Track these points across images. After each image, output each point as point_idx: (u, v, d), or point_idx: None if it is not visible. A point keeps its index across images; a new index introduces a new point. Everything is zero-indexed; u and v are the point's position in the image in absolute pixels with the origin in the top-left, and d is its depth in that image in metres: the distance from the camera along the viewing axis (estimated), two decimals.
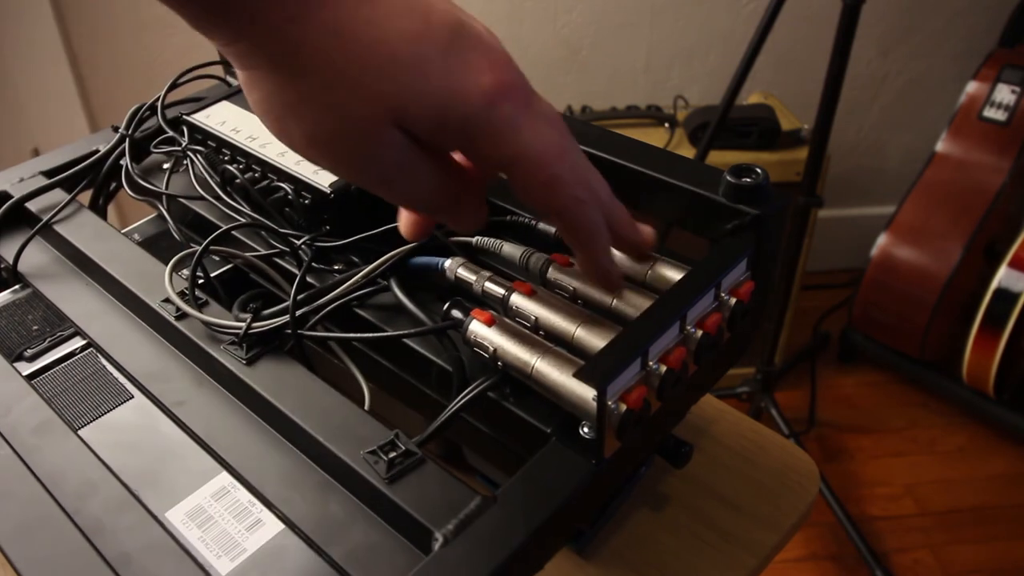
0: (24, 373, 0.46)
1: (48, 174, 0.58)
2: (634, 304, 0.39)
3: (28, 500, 0.38)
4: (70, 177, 0.57)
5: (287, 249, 0.49)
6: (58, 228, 0.53)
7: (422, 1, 0.30)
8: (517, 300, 0.41)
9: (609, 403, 0.33)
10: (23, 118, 1.68)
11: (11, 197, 0.55)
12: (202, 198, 0.53)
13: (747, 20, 1.67)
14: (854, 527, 1.38)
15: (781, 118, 1.48)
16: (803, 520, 0.49)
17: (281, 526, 0.37)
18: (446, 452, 0.51)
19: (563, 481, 0.34)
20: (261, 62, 0.30)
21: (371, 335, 0.44)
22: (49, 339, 0.48)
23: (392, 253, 0.46)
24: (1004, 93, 1.50)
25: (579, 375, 0.33)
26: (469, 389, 0.40)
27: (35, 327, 0.49)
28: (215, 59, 0.64)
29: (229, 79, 0.66)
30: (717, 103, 1.30)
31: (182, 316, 0.45)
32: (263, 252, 0.50)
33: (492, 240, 0.46)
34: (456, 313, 0.41)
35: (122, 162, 0.58)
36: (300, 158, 0.39)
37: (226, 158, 0.54)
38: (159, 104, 0.61)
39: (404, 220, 0.39)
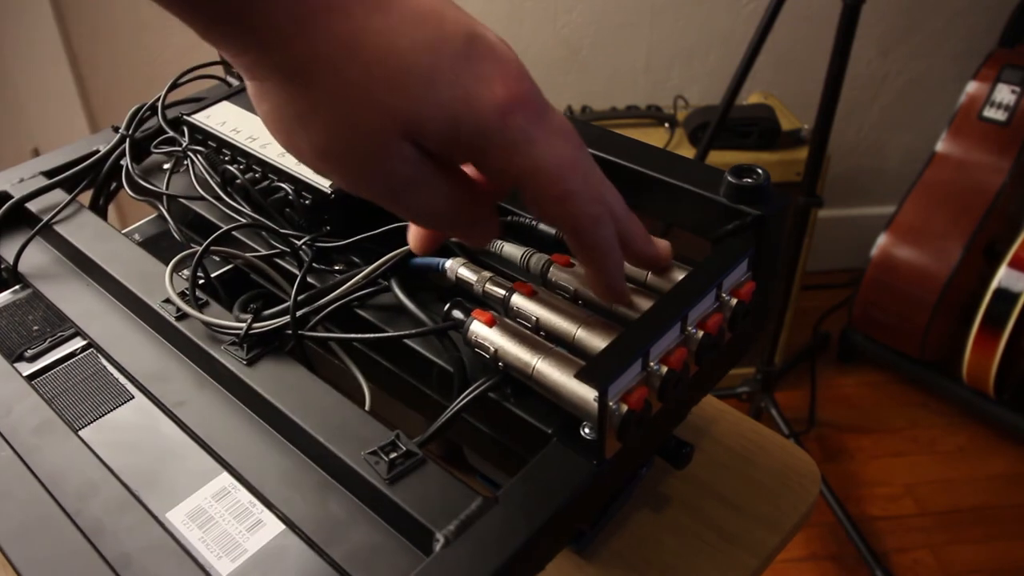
0: (24, 373, 0.46)
1: (48, 174, 0.58)
2: (635, 305, 0.39)
3: (28, 500, 0.38)
4: (70, 177, 0.57)
5: (288, 249, 0.49)
6: (58, 228, 0.53)
7: (435, 11, 0.29)
8: (518, 301, 0.41)
9: (610, 404, 0.33)
10: (23, 118, 1.68)
11: (11, 197, 0.55)
12: (202, 198, 0.53)
13: (747, 20, 1.67)
14: (854, 527, 1.38)
15: (781, 118, 1.48)
16: (804, 520, 0.49)
17: (282, 527, 0.37)
18: (447, 453, 0.51)
19: (564, 482, 0.34)
20: (271, 73, 0.29)
21: (372, 336, 0.44)
22: (49, 339, 0.48)
23: (393, 253, 0.46)
24: (1004, 93, 1.50)
25: (580, 376, 0.33)
26: (470, 390, 0.40)
27: (35, 327, 0.49)
28: (215, 59, 0.64)
29: (229, 79, 0.66)
30: (717, 103, 1.30)
31: (183, 316, 0.45)
32: (264, 252, 0.50)
33: (493, 241, 0.46)
34: (457, 314, 0.41)
35: (122, 162, 0.58)
36: None
37: (226, 158, 0.54)
38: (159, 104, 0.61)
39: (413, 234, 0.39)
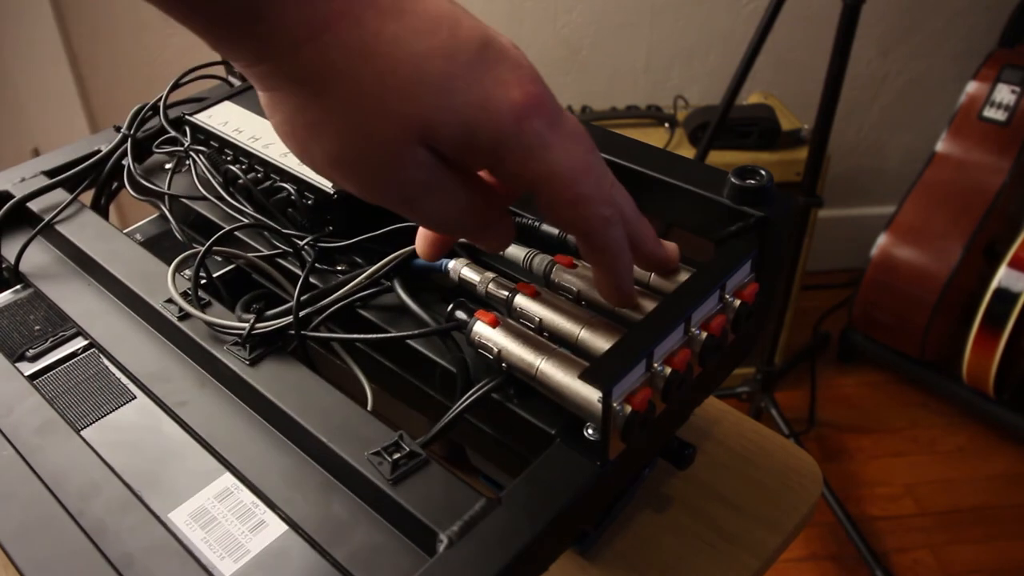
0: (26, 373, 0.46)
1: (50, 174, 0.58)
2: (639, 306, 0.39)
3: (30, 500, 0.38)
4: (72, 177, 0.57)
5: (290, 250, 0.49)
6: (60, 228, 0.53)
7: (448, 17, 0.29)
8: (521, 301, 0.41)
9: (614, 405, 0.33)
10: (23, 118, 1.68)
11: (13, 197, 0.55)
12: (204, 198, 0.53)
13: (747, 20, 1.67)
14: (854, 527, 1.38)
15: (781, 118, 1.48)
16: (806, 521, 0.49)
17: (285, 527, 0.37)
18: (449, 453, 0.51)
19: (567, 483, 0.34)
20: (283, 83, 0.29)
21: (375, 336, 0.44)
22: (51, 339, 0.48)
23: (396, 254, 0.46)
24: (1004, 93, 1.50)
25: (584, 377, 0.33)
26: (473, 390, 0.40)
27: (37, 327, 0.49)
28: (217, 59, 0.64)
29: (231, 79, 0.66)
30: (717, 103, 1.30)
31: (185, 317, 0.45)
32: (266, 253, 0.50)
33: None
34: (460, 314, 0.41)
35: (124, 162, 0.58)
36: None
37: (228, 158, 0.54)
38: (161, 104, 0.60)
39: (421, 239, 0.38)
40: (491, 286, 0.42)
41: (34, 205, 0.55)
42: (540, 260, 0.43)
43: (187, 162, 0.57)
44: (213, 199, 0.53)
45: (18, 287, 0.52)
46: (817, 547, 1.43)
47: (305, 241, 0.48)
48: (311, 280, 0.47)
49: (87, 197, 0.58)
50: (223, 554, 0.36)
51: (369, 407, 0.44)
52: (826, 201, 1.40)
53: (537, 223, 0.47)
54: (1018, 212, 1.53)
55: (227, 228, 0.48)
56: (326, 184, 0.49)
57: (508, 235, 0.36)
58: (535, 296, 0.41)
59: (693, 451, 0.44)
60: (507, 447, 0.41)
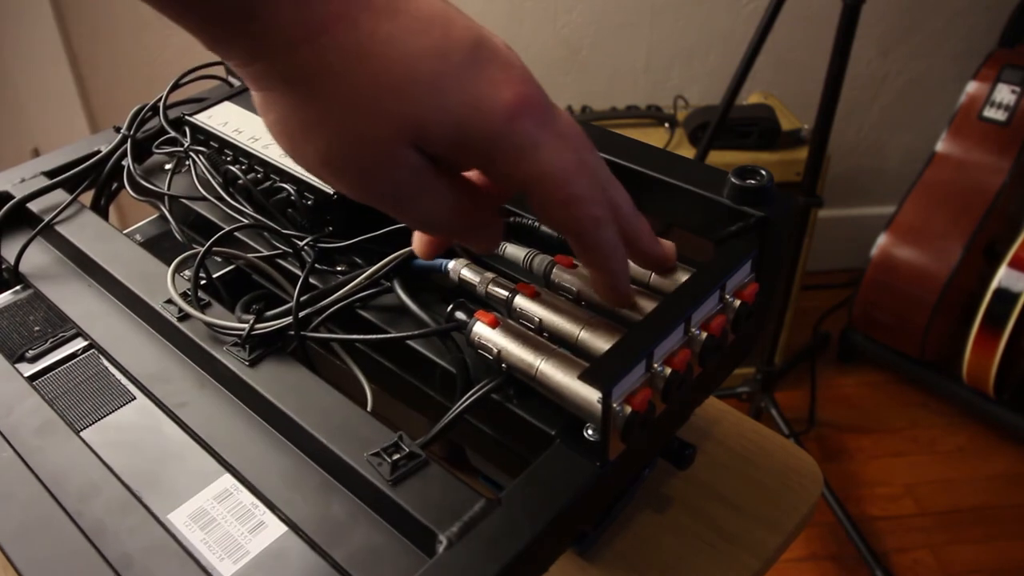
0: (26, 374, 0.46)
1: (49, 174, 0.58)
2: (638, 306, 0.39)
3: (30, 501, 0.38)
4: (72, 178, 0.57)
5: (290, 250, 0.49)
6: (60, 229, 0.53)
7: (441, 17, 0.29)
8: (521, 302, 0.41)
9: (614, 405, 0.33)
10: (23, 118, 1.68)
11: (12, 197, 0.55)
12: (204, 199, 0.53)
13: (747, 20, 1.67)
14: (854, 527, 1.38)
15: (781, 118, 1.48)
16: (806, 521, 0.49)
17: (284, 528, 0.37)
18: (449, 454, 0.51)
19: (567, 483, 0.34)
20: (277, 83, 0.29)
21: (374, 337, 0.44)
22: (51, 340, 0.48)
23: (395, 254, 0.46)
24: (1004, 93, 1.50)
25: (584, 377, 0.33)
26: (473, 391, 0.39)
27: (37, 328, 0.49)
28: (217, 60, 0.64)
29: (231, 80, 0.65)
30: (717, 103, 1.30)
31: (184, 317, 0.45)
32: (266, 253, 0.49)
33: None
34: (460, 315, 0.41)
35: (124, 163, 0.58)
36: None
37: (228, 159, 0.54)
38: (161, 104, 0.60)
39: (418, 239, 0.38)
40: (491, 286, 0.42)
41: (34, 206, 0.55)
42: (540, 260, 0.43)
43: (187, 163, 0.57)
44: (213, 200, 0.53)
45: (18, 288, 0.52)
46: (817, 547, 1.43)
47: (305, 242, 0.48)
48: (311, 281, 0.47)
49: (87, 198, 0.58)
50: (222, 555, 0.36)
51: (369, 408, 0.44)
52: (826, 201, 1.40)
53: (537, 223, 0.47)
54: (1018, 212, 1.53)
55: (227, 229, 0.48)
56: (326, 184, 0.49)
57: (497, 237, 0.36)
58: (535, 296, 0.41)
59: (693, 451, 0.44)
60: (507, 448, 0.41)
